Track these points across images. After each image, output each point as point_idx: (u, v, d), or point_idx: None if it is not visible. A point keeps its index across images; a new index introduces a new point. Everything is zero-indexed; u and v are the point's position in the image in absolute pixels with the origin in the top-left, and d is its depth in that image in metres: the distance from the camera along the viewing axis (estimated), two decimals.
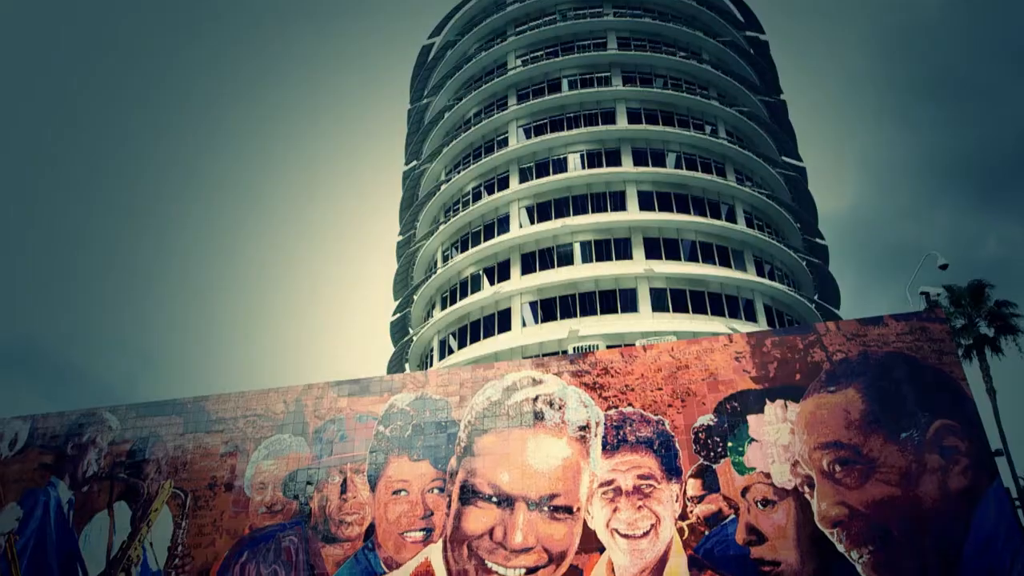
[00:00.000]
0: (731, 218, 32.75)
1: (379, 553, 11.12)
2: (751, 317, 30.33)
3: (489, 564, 10.57)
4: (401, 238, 40.84)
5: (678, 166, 33.08)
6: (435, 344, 33.80)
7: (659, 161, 32.91)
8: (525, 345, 28.96)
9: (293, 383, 13.18)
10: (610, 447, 10.98)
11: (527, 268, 31.37)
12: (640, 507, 10.53)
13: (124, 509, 12.59)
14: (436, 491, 11.31)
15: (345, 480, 11.80)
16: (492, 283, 32.00)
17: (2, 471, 13.50)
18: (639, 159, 32.69)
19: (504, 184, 33.67)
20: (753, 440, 10.69)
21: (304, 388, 12.89)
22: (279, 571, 11.35)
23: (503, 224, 32.85)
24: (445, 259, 35.14)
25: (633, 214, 31.04)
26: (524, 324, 30.25)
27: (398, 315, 38.77)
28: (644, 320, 28.54)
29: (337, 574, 11.14)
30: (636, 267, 29.73)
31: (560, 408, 11.38)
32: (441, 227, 35.29)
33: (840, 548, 9.82)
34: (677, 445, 10.86)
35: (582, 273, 30.07)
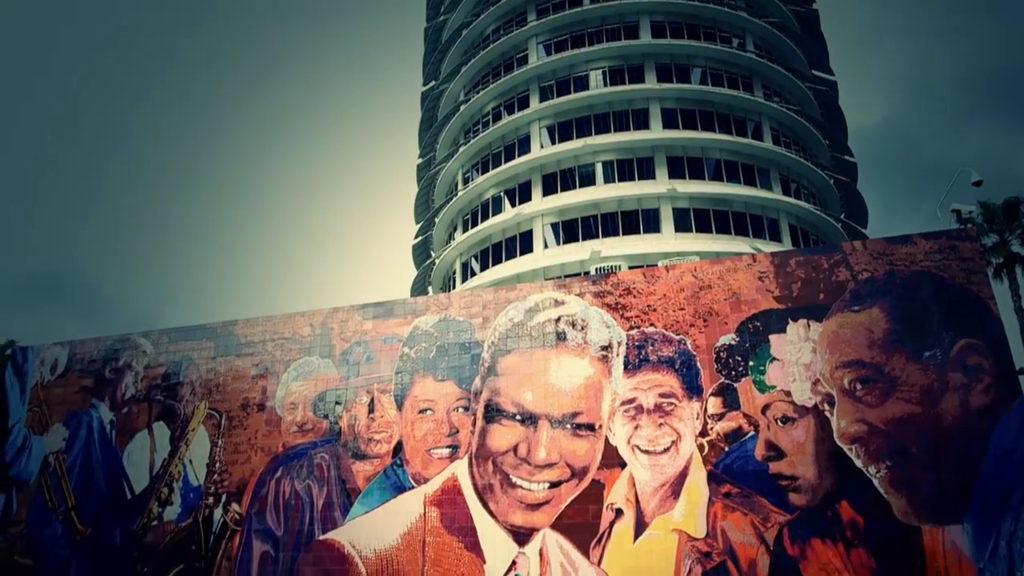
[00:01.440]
0: (757, 135, 31.95)
1: (407, 469, 11.52)
2: (775, 237, 29.99)
3: (513, 478, 10.92)
4: (421, 161, 40.50)
5: (703, 82, 32.10)
6: (457, 267, 33.98)
7: (683, 77, 31.95)
8: (547, 267, 29.03)
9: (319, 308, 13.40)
10: (632, 366, 11.11)
11: (548, 189, 31.07)
12: (661, 424, 10.73)
13: (163, 429, 13.12)
14: (461, 410, 11.60)
15: (372, 400, 12.13)
16: (513, 205, 31.81)
17: (46, 394, 14.05)
18: (663, 75, 31.76)
19: (524, 103, 33.00)
20: (774, 359, 10.74)
21: (330, 312, 13.11)
22: (312, 486, 11.85)
23: (524, 145, 32.37)
24: (466, 181, 34.89)
25: (656, 132, 30.38)
26: (546, 246, 30.22)
27: (420, 238, 38.89)
28: (667, 241, 28.35)
29: (368, 488, 11.60)
30: (659, 187, 29.33)
31: (582, 328, 11.48)
32: (461, 149, 34.88)
33: (858, 463, 9.98)
34: (698, 364, 10.96)
35: (604, 194, 29.75)
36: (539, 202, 30.36)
